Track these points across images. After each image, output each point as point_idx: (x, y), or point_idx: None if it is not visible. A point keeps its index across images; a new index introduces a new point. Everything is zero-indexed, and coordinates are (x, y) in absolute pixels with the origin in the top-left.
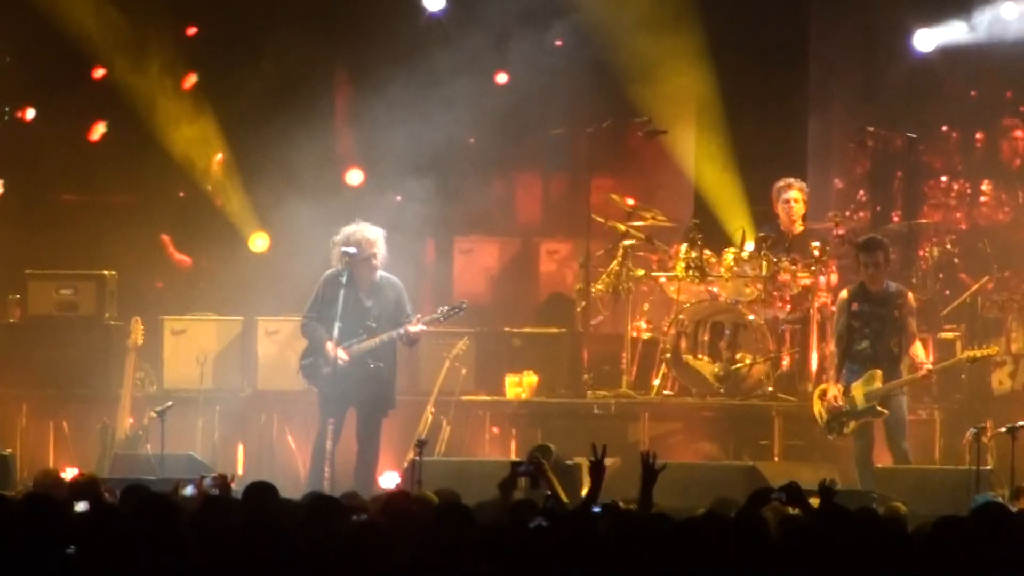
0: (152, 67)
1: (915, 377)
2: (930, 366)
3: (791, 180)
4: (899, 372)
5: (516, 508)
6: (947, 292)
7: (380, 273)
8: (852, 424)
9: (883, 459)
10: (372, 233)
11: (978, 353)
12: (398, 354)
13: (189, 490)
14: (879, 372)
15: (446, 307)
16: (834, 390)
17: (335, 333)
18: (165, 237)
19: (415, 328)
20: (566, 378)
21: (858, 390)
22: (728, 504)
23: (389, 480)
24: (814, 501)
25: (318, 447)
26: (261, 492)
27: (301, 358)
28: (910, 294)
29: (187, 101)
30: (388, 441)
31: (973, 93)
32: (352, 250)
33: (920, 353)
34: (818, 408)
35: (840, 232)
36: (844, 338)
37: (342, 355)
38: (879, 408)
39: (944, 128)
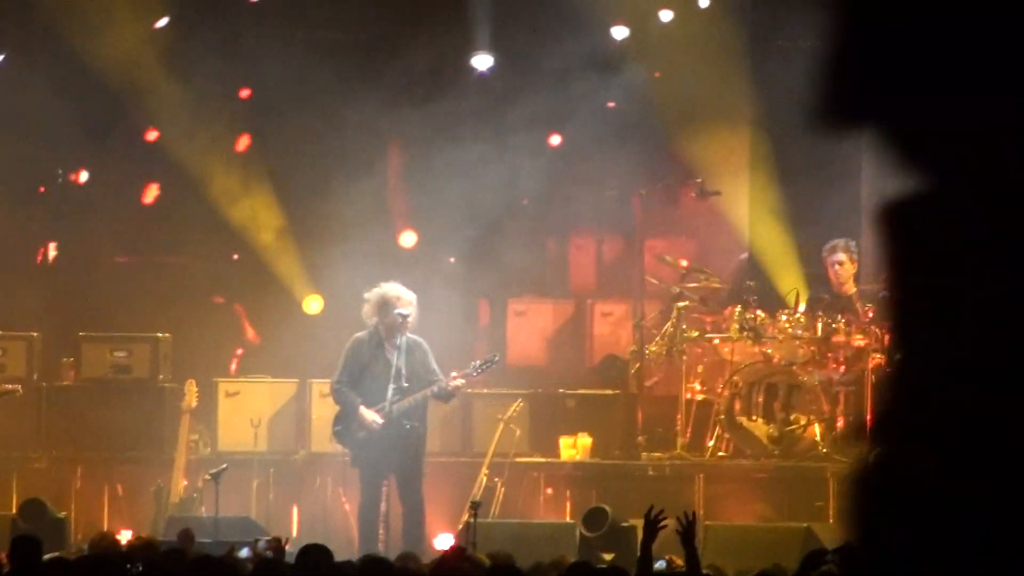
0: (205, 129)
1: None
2: None
3: (837, 242)
4: None
5: (570, 571)
6: None
7: (407, 334)
8: None
9: None
10: (406, 293)
11: None
12: (451, 416)
13: (244, 552)
14: None
15: (479, 361)
16: None
17: (389, 394)
18: (238, 307)
19: (456, 383)
20: (620, 440)
21: None
22: (781, 572)
23: (444, 542)
24: None
25: (365, 509)
26: (315, 555)
27: (334, 424)
28: None
29: (240, 163)
30: (442, 503)
31: None
32: (407, 311)
33: None
34: None
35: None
36: None
37: (377, 418)
38: None
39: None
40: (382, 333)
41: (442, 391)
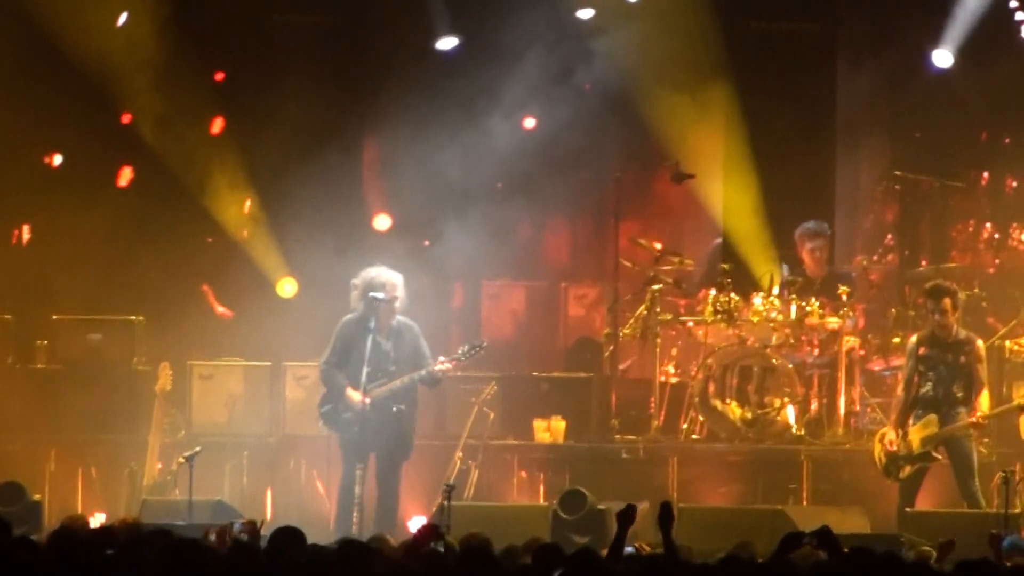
0: (179, 112)
1: (965, 423)
2: (982, 413)
3: (813, 225)
4: (960, 418)
5: (540, 554)
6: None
7: (398, 317)
8: (908, 468)
9: (923, 504)
10: (394, 277)
11: None
12: (425, 398)
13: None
14: (935, 417)
15: (466, 346)
16: (892, 434)
17: (363, 378)
18: (207, 288)
19: (439, 367)
20: (594, 422)
21: (915, 435)
22: (749, 548)
23: (417, 525)
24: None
25: (344, 492)
26: (288, 537)
27: (320, 405)
28: (979, 342)
29: (215, 147)
30: (416, 486)
31: (1007, 140)
32: (380, 295)
33: (982, 401)
34: (877, 451)
35: (872, 277)
36: (911, 383)
37: (364, 399)
38: (934, 454)
39: (973, 172)
40: (370, 317)
41: (429, 375)
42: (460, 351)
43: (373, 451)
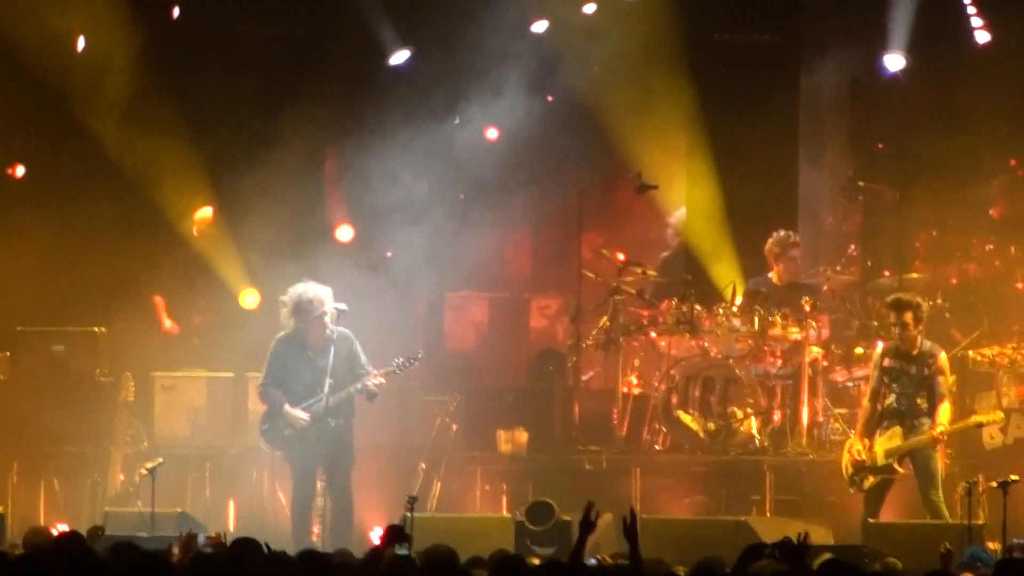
0: (143, 121)
1: (925, 438)
2: (942, 428)
3: (792, 235)
4: (923, 430)
5: (502, 564)
6: None
7: (331, 328)
8: (871, 479)
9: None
10: (321, 291)
11: (985, 419)
12: (387, 409)
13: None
14: (899, 429)
15: (401, 359)
16: (859, 444)
17: (326, 390)
18: (158, 299)
19: (373, 382)
20: (557, 434)
21: (880, 446)
22: (715, 563)
23: (379, 536)
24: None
25: (297, 505)
26: (246, 548)
27: (261, 423)
28: (942, 354)
29: (178, 158)
30: (379, 497)
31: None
32: (343, 306)
33: (942, 414)
34: (845, 461)
35: (831, 288)
36: (877, 393)
37: (302, 415)
38: (896, 466)
39: (936, 181)
40: (302, 333)
41: (364, 389)
42: (395, 363)
43: (318, 465)
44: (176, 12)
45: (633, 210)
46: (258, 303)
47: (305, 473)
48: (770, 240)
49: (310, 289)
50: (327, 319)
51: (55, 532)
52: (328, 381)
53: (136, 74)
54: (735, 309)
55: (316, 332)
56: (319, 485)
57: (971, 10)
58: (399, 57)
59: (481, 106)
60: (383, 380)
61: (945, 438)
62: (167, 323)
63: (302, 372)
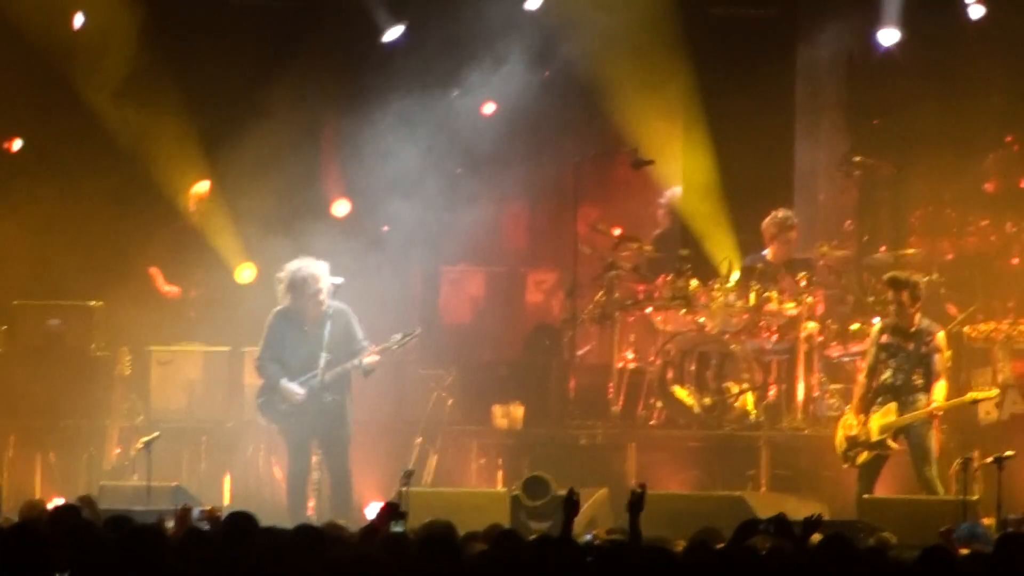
0: (139, 95)
1: (920, 414)
2: (936, 404)
3: (790, 215)
4: (919, 406)
5: (501, 539)
6: None
7: (328, 303)
8: (864, 455)
9: (882, 491)
10: (316, 268)
11: (980, 395)
12: (383, 384)
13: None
14: (895, 406)
15: (399, 335)
16: (853, 419)
17: (322, 364)
18: (154, 270)
19: (369, 359)
20: (553, 408)
21: (874, 422)
22: (711, 534)
23: (375, 511)
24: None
25: (293, 480)
26: (241, 522)
27: (257, 396)
28: (941, 332)
29: (174, 132)
30: (375, 471)
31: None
32: (340, 280)
33: (938, 391)
34: (839, 436)
35: (827, 263)
36: (873, 369)
37: (298, 390)
38: (889, 443)
39: (933, 157)
40: (299, 308)
41: (360, 365)
42: (393, 339)
43: (314, 439)
44: None
45: (630, 185)
46: (254, 277)
47: (300, 447)
48: (767, 219)
49: (306, 266)
50: (323, 296)
51: (50, 506)
52: (324, 356)
53: (134, 49)
54: (731, 284)
55: (312, 308)
56: (314, 459)
57: None
58: (393, 33)
59: (478, 80)
60: (377, 358)
61: (940, 414)
62: (166, 287)
63: (299, 347)
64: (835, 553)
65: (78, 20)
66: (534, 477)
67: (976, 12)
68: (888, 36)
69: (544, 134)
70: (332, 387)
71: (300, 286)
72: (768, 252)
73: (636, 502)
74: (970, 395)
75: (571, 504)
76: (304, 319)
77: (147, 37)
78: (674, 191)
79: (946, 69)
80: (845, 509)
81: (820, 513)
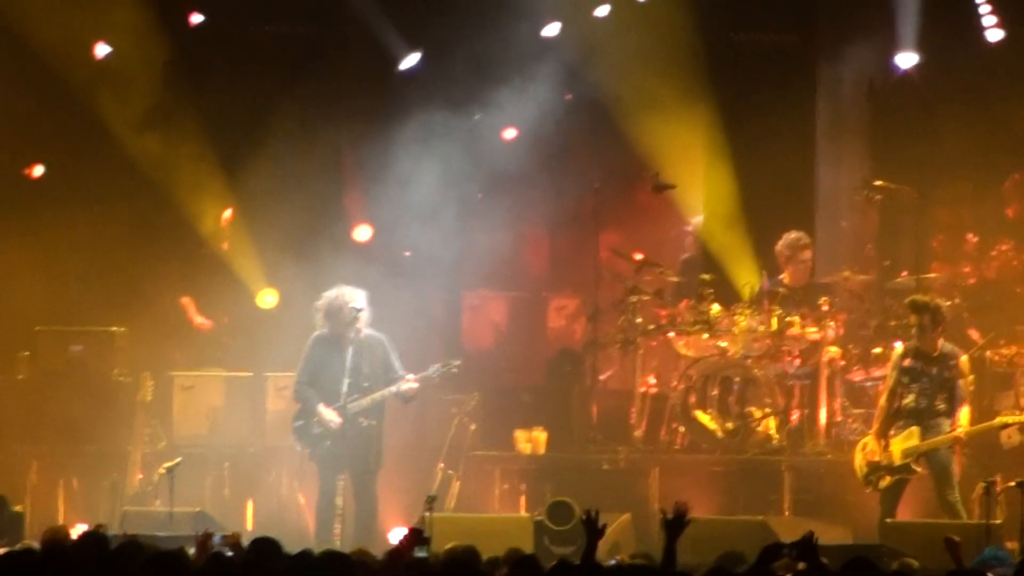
0: (161, 122)
1: (946, 438)
2: (963, 429)
3: (803, 237)
4: (942, 431)
5: (521, 564)
6: None
7: (365, 331)
8: (887, 479)
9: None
10: (354, 296)
11: (1010, 419)
12: (406, 409)
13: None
14: (917, 430)
15: (438, 365)
16: (874, 444)
17: (344, 389)
18: (186, 300)
19: (408, 385)
20: (575, 433)
21: (896, 446)
22: (734, 559)
23: (398, 536)
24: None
25: (322, 505)
26: (265, 548)
27: (294, 420)
28: (963, 357)
29: (195, 158)
30: (397, 497)
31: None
32: (361, 305)
33: (962, 416)
34: (859, 460)
35: (849, 287)
36: (894, 393)
37: (334, 416)
38: (913, 466)
39: (954, 181)
40: (336, 335)
41: (400, 393)
42: (432, 369)
43: (347, 465)
44: (196, 19)
45: (651, 210)
46: (276, 303)
47: (331, 472)
48: (780, 242)
49: (343, 293)
50: (360, 323)
51: (73, 532)
52: (346, 381)
53: (158, 77)
54: (753, 309)
55: (349, 335)
56: (339, 484)
57: (984, 8)
58: (409, 61)
59: (499, 105)
60: (417, 385)
61: (966, 438)
62: (198, 319)
63: (335, 373)
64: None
65: (101, 49)
66: (558, 502)
67: (995, 35)
68: (906, 60)
69: (565, 159)
70: (368, 413)
71: (337, 313)
72: (784, 275)
73: (676, 524)
74: (999, 419)
75: (593, 528)
76: (341, 345)
77: (170, 65)
78: (699, 219)
79: (968, 93)
80: (868, 533)
81: (812, 531)
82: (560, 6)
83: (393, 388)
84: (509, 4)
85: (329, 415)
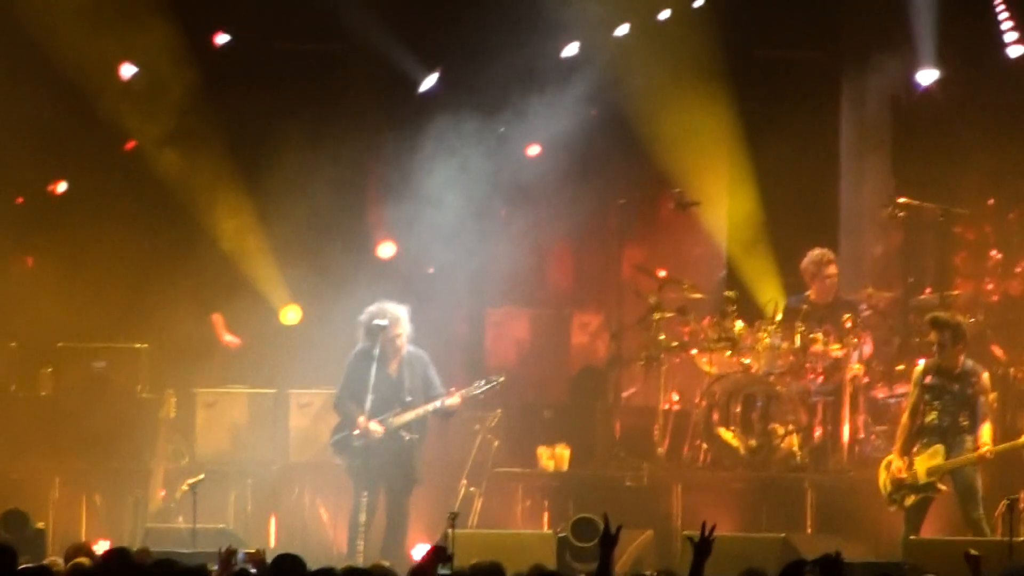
0: (183, 139)
1: (971, 457)
2: (988, 447)
3: (828, 253)
4: (965, 448)
5: None
6: None
7: (407, 348)
8: (912, 497)
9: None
10: (396, 311)
11: None
12: (429, 426)
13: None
14: (941, 448)
15: (482, 381)
16: (899, 462)
17: (367, 406)
18: (216, 317)
19: (451, 401)
20: (598, 450)
21: (921, 464)
22: (762, 573)
23: (420, 552)
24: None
25: (354, 521)
26: (288, 564)
27: (333, 433)
28: (985, 374)
29: (219, 174)
30: (420, 513)
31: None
32: (384, 321)
33: (985, 433)
34: (883, 478)
35: (872, 304)
36: (916, 410)
37: (376, 428)
38: (938, 485)
39: (978, 198)
40: (375, 347)
41: (443, 409)
42: (475, 385)
43: (382, 480)
44: (221, 38)
45: (675, 226)
46: (299, 319)
47: (367, 486)
48: (805, 259)
49: (385, 309)
50: (401, 340)
51: (96, 548)
52: (406, 398)
53: (184, 96)
54: (776, 326)
55: (390, 350)
56: (364, 502)
57: (1006, 25)
58: (428, 82)
59: (524, 121)
60: (458, 400)
61: (991, 456)
62: (227, 337)
63: (379, 386)
64: None
65: (127, 70)
66: (582, 518)
67: (1016, 51)
68: (927, 76)
69: (589, 175)
70: (412, 427)
71: (376, 330)
72: (810, 292)
73: (704, 545)
74: None
75: (608, 539)
76: (383, 361)
77: (193, 84)
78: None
79: (990, 109)
80: (891, 550)
81: (828, 553)
82: (585, 24)
83: (436, 403)
84: (534, 21)
85: (372, 427)
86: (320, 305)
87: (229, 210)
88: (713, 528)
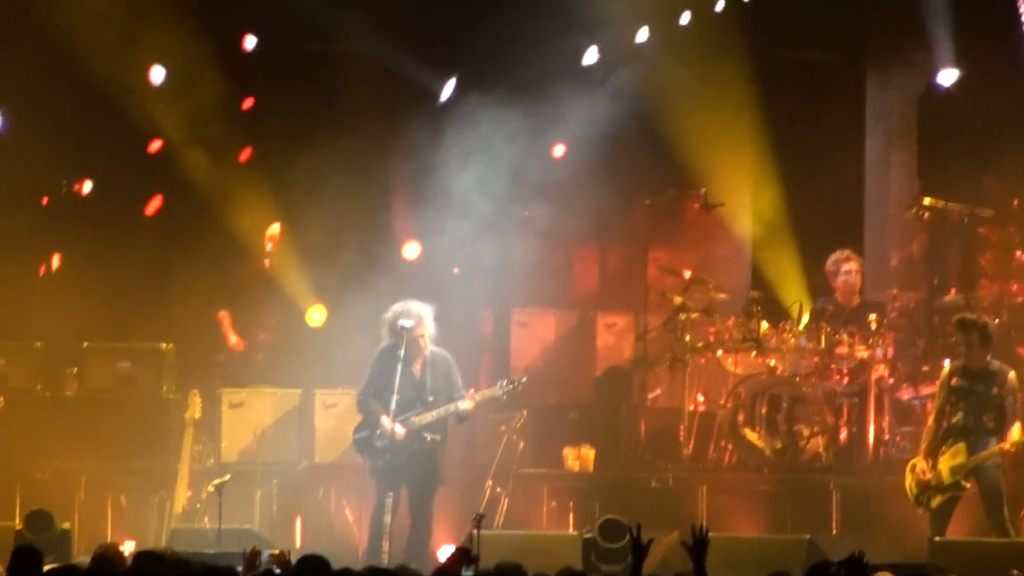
0: (209, 139)
1: (992, 452)
2: (1007, 444)
3: (848, 252)
4: (990, 448)
5: None
6: None
7: (431, 348)
8: (938, 498)
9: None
10: (421, 309)
11: None
12: (454, 427)
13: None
14: (964, 446)
15: (504, 381)
16: (923, 464)
17: (392, 406)
18: (223, 314)
19: (465, 404)
20: (624, 451)
21: (945, 464)
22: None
23: (446, 553)
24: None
25: (376, 521)
26: (313, 565)
27: (355, 431)
28: (1012, 374)
29: (244, 175)
30: (446, 514)
31: None
32: (409, 322)
33: (1013, 432)
34: (909, 481)
35: (897, 306)
36: (942, 412)
37: (399, 428)
38: (964, 483)
39: (1001, 199)
40: (399, 346)
41: (459, 412)
42: (497, 386)
43: (405, 480)
44: (250, 42)
45: (700, 227)
46: (324, 320)
47: (389, 486)
48: (828, 260)
49: (410, 307)
50: (425, 339)
51: (123, 548)
52: (428, 398)
53: (210, 98)
54: (801, 327)
55: (414, 349)
56: (388, 502)
57: None
58: (447, 91)
59: (548, 122)
60: (476, 403)
61: (1014, 450)
62: (232, 339)
63: (403, 386)
64: None
65: (156, 73)
66: (609, 520)
67: None
68: (947, 76)
69: (614, 176)
70: (435, 428)
71: (400, 328)
72: (836, 294)
73: (699, 546)
74: None
75: (639, 547)
76: (407, 359)
77: (221, 85)
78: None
79: (1016, 111)
80: (916, 552)
81: (861, 550)
82: (610, 25)
83: (457, 406)
84: (560, 23)
85: (394, 427)
86: (346, 306)
87: (254, 210)
88: (704, 527)
